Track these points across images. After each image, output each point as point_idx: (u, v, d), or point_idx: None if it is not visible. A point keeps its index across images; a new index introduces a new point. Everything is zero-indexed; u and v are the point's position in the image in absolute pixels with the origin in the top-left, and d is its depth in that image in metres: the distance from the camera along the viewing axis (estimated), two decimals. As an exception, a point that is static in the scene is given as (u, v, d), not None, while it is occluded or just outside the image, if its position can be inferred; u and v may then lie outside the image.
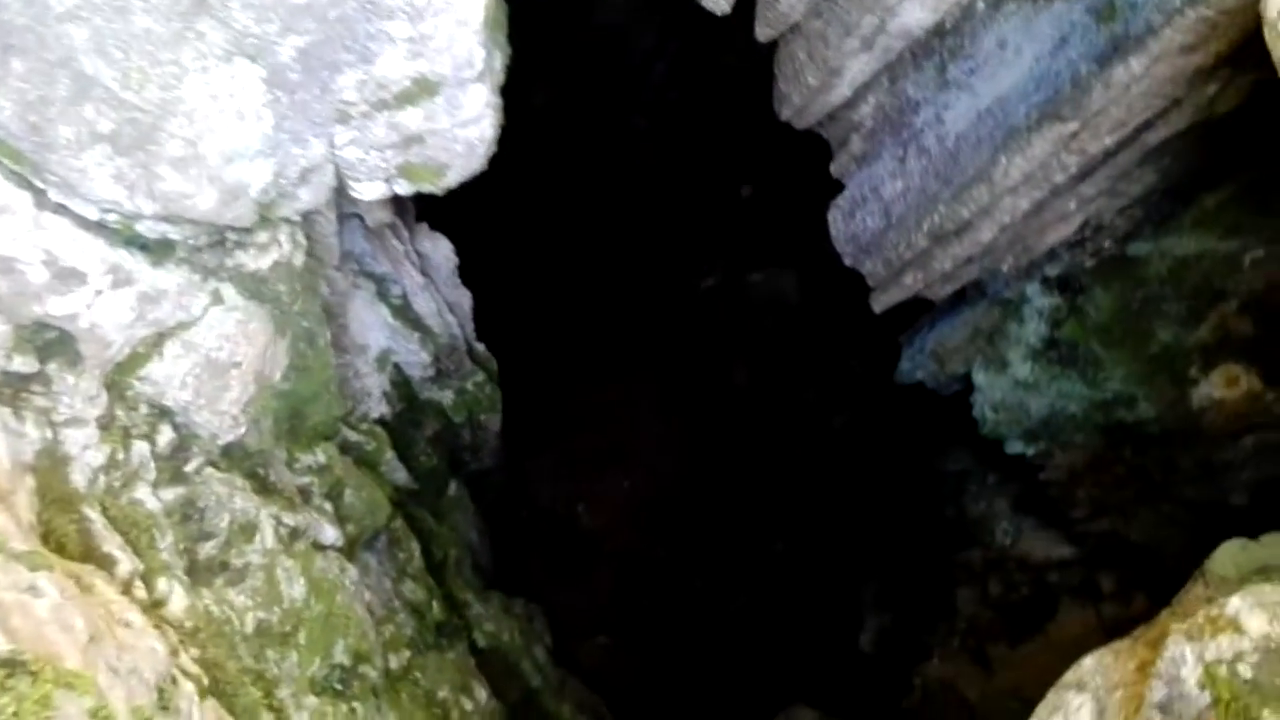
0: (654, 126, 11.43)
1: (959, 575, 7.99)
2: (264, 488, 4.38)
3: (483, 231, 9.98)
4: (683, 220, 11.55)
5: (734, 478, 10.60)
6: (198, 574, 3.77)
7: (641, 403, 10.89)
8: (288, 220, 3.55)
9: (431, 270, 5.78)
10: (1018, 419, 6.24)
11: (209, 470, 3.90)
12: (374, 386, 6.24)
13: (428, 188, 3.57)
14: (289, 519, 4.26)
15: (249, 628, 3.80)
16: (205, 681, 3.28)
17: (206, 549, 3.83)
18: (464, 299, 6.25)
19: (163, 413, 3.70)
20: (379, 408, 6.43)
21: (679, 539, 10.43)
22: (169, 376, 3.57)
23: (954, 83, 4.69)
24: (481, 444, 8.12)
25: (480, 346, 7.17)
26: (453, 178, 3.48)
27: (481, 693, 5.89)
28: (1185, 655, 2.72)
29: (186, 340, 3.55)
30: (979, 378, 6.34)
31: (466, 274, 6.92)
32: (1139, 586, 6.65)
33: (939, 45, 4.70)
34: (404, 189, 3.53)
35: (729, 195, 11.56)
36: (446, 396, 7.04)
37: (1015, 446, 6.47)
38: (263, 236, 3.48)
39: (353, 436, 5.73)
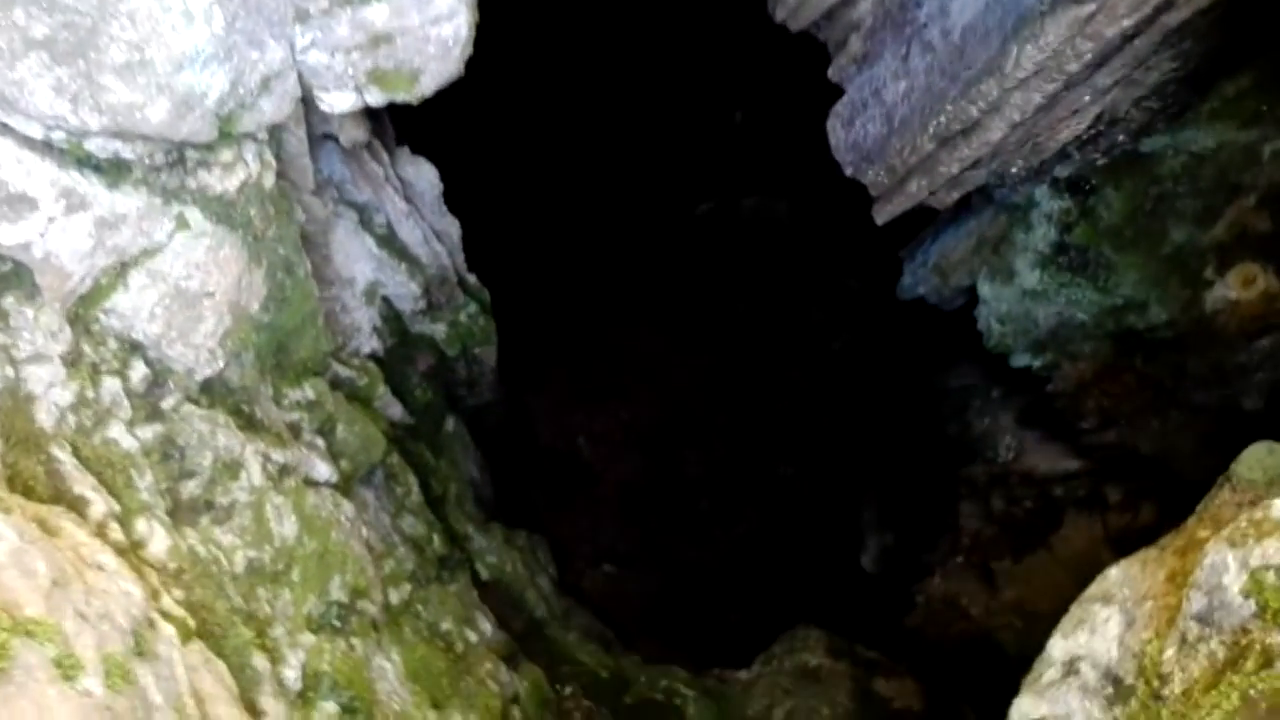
0: (645, 51, 10.98)
1: (962, 491, 7.85)
2: (250, 424, 4.18)
3: (473, 160, 9.67)
4: (676, 146, 11.19)
5: (735, 403, 10.44)
6: (181, 514, 3.58)
7: (639, 332, 10.67)
8: (253, 137, 3.28)
9: (416, 197, 5.50)
10: (1024, 330, 6.02)
11: (188, 407, 3.69)
12: (363, 321, 6.00)
13: (402, 96, 3.30)
14: (277, 455, 4.06)
15: (239, 567, 3.63)
16: (191, 624, 3.10)
17: (189, 488, 3.64)
18: (452, 227, 5.98)
19: (133, 347, 3.47)
20: (370, 343, 6.21)
21: (682, 467, 10.30)
22: (136, 308, 3.34)
23: (959, -30, 4.37)
24: (478, 378, 7.92)
25: (472, 278, 6.92)
26: (427, 84, 3.20)
27: (486, 624, 5.77)
28: (1227, 562, 2.53)
29: (152, 269, 3.31)
30: (984, 289, 6.10)
31: (456, 203, 6.64)
32: (1146, 496, 6.50)
33: (942, -70, 4.38)
34: (376, 98, 3.26)
35: (722, 121, 11.19)
36: (439, 330, 6.81)
37: (1021, 359, 6.26)
38: (226, 155, 3.21)
39: (343, 372, 5.51)
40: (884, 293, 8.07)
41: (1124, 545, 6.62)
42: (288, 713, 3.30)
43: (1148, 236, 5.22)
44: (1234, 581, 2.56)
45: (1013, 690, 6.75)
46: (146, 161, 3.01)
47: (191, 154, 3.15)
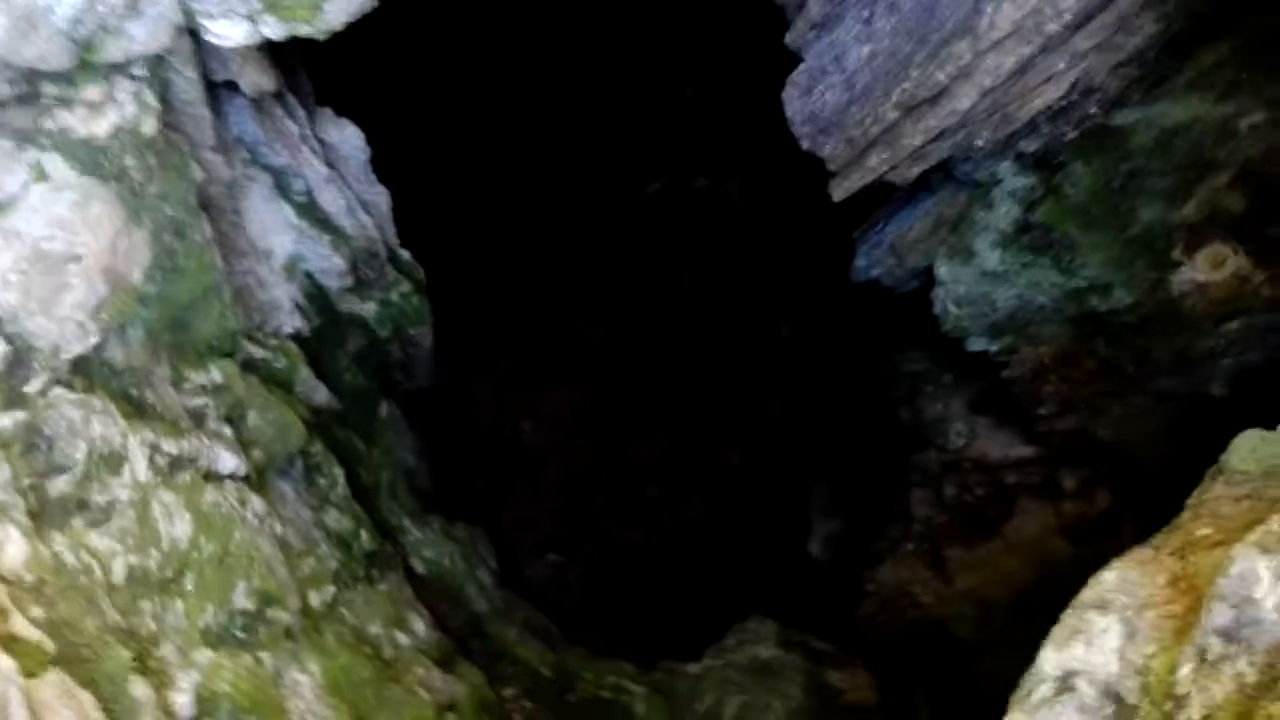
0: (596, 17, 10.39)
1: (913, 478, 7.48)
2: (139, 411, 3.58)
3: (408, 130, 9.02)
4: (625, 123, 10.65)
5: (683, 388, 9.98)
6: (47, 515, 2.98)
7: (585, 314, 10.15)
8: (126, 73, 2.69)
9: (339, 162, 4.90)
10: (982, 313, 5.63)
11: (58, 391, 3.09)
12: (283, 297, 5.39)
13: (305, 30, 2.73)
14: (169, 446, 3.47)
15: (117, 576, 3.05)
16: (49, 648, 2.53)
17: (59, 485, 3.04)
18: (380, 197, 5.39)
19: (-15, 321, 2.88)
20: (292, 321, 5.60)
21: (628, 453, 9.83)
22: (-14, 274, 2.74)
23: (930, -79, 3.92)
24: (414, 361, 7.32)
25: (405, 254, 6.32)
26: (334, 13, 2.65)
27: (419, 624, 5.23)
28: (1258, 572, 2.12)
29: (5, 227, 2.71)
30: (941, 271, 5.69)
31: (388, 175, 6.04)
32: (1102, 483, 6.18)
33: (912, -123, 3.92)
34: (274, 30, 2.69)
35: (673, 96, 10.66)
36: (369, 309, 6.21)
37: (978, 343, 5.87)
38: (92, 91, 2.62)
39: (258, 353, 4.90)
40: (835, 276, 7.66)
41: (1078, 533, 6.32)
42: (171, 747, 2.74)
43: (1115, 215, 4.84)
44: (1268, 595, 2.16)
45: (968, 680, 6.40)
46: (-14, 94, 2.42)
47: (48, 88, 2.55)
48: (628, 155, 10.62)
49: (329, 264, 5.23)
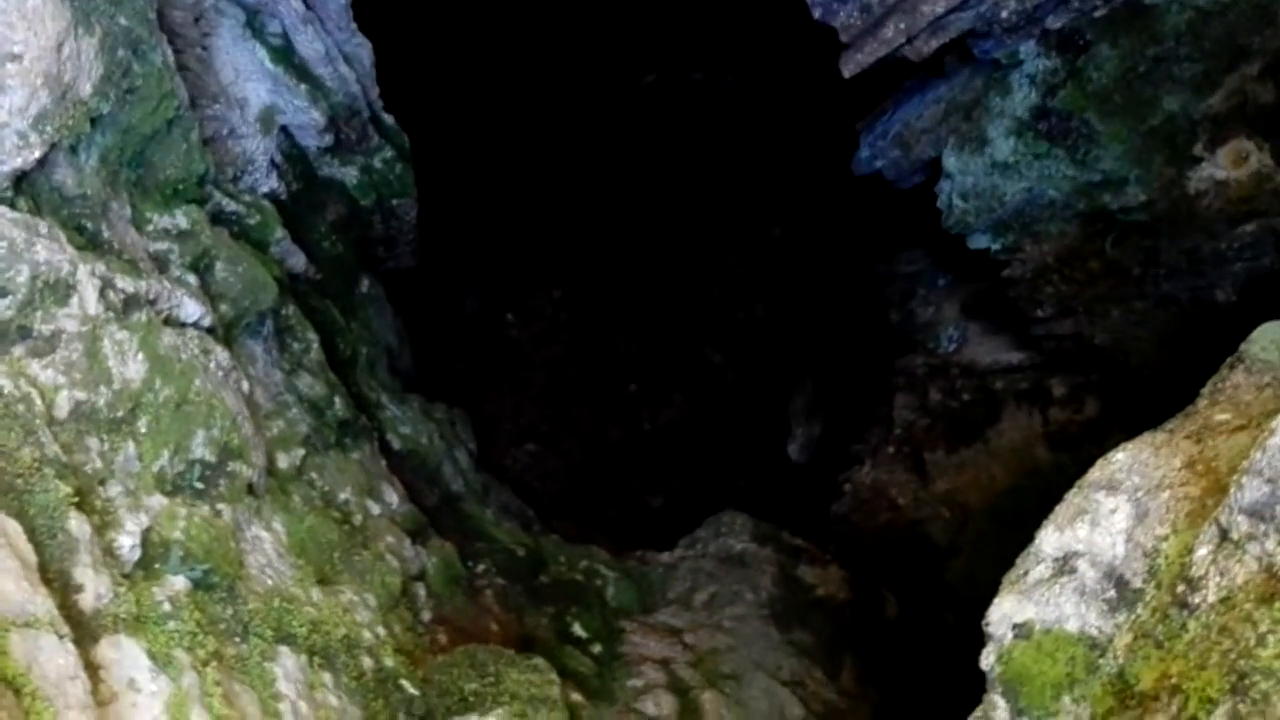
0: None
1: (898, 382, 7.30)
2: (94, 244, 3.29)
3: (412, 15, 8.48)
4: (625, 13, 10.11)
5: (669, 286, 9.72)
6: (-15, 341, 2.72)
7: (577, 205, 9.79)
8: None
9: (318, 6, 4.50)
10: (989, 207, 5.36)
11: (-2, 209, 2.79)
12: (258, 152, 5.03)
13: None
14: (125, 284, 3.19)
15: (61, 411, 2.80)
16: (-24, 474, 2.30)
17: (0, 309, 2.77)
18: (363, 50, 5.00)
19: (-91, 119, 2.56)
20: (268, 181, 5.26)
21: (612, 348, 9.61)
22: (-93, 64, 2.42)
23: None
24: (397, 236, 7.00)
25: (388, 118, 5.94)
26: None
27: (392, 495, 5.05)
28: (1303, 441, 1.91)
29: (-73, 11, 2.38)
30: (950, 161, 5.39)
31: (373, 32, 5.61)
32: (1092, 391, 6.01)
33: None
34: None
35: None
36: (350, 174, 5.87)
37: (981, 240, 5.62)
38: None
39: (229, 205, 4.57)
40: (833, 175, 7.34)
41: (1063, 441, 6.16)
42: (114, 587, 2.53)
43: (1138, 104, 4.53)
44: (1309, 466, 1.95)
45: (939, 581, 6.31)
46: None
47: None
48: (625, 44, 10.12)
49: (306, 118, 4.87)
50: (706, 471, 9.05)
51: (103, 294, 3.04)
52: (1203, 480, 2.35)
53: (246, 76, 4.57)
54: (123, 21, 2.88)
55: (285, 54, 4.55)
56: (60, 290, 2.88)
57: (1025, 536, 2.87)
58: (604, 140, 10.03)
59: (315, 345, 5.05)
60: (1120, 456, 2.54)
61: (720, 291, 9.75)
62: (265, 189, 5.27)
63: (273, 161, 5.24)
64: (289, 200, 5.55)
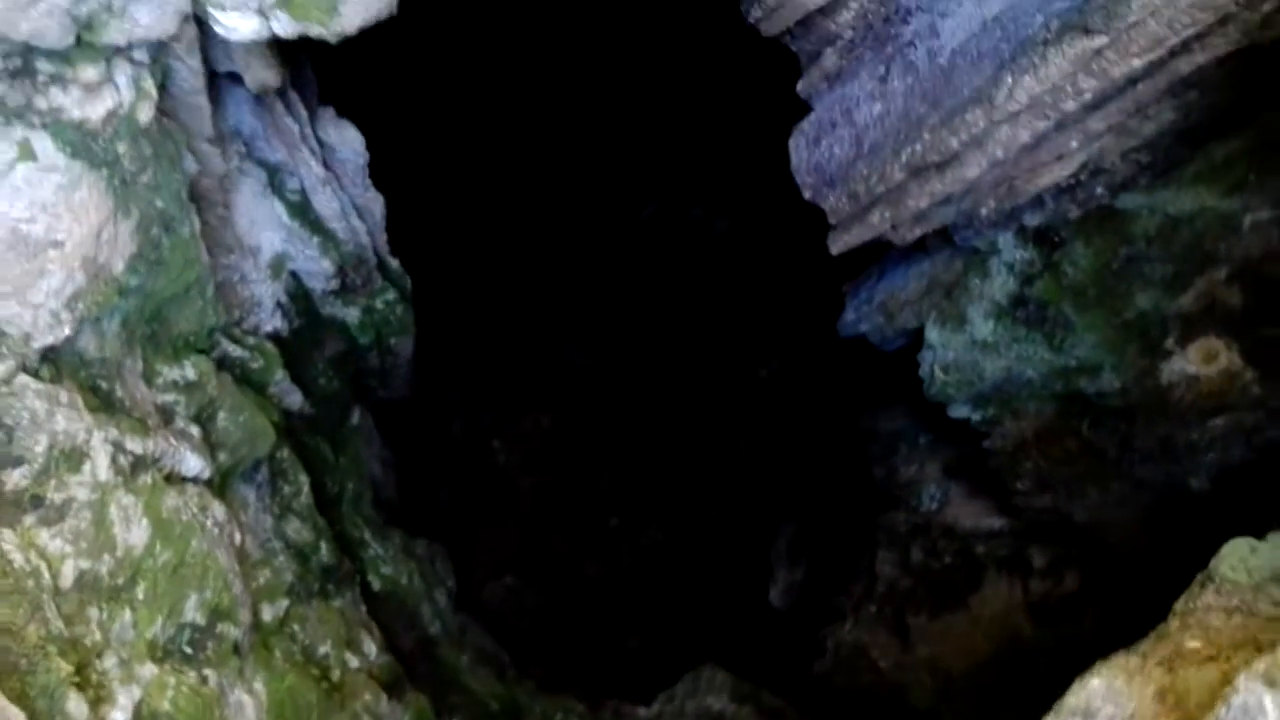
0: (602, 36, 10.35)
1: (880, 538, 7.41)
2: (106, 404, 3.43)
3: (405, 132, 8.91)
4: (627, 145, 10.61)
5: (656, 420, 9.89)
6: (1, 510, 2.83)
7: (566, 335, 10.05)
8: (127, 56, 2.57)
9: (336, 165, 4.79)
10: (969, 381, 5.59)
11: (23, 379, 2.94)
12: (265, 296, 5.25)
13: (318, 30, 2.63)
14: (134, 445, 3.32)
15: (67, 581, 2.89)
16: (-17, 656, 2.38)
17: (14, 478, 2.89)
18: (375, 204, 5.27)
19: (-47, 301, 2.73)
20: (272, 321, 5.45)
21: (595, 480, 9.71)
22: (-40, 253, 2.60)
23: (959, -15, 3.89)
24: (391, 369, 7.18)
25: (394, 262, 6.20)
26: (350, 16, 2.55)
27: (370, 645, 5.06)
28: (1265, 706, 2.04)
29: (-15, 206, 2.58)
30: (932, 335, 5.65)
31: (381, 176, 5.91)
32: (1072, 565, 6.14)
33: (946, -60, 3.89)
34: (285, 27, 2.58)
35: (676, 122, 10.62)
36: (352, 314, 6.07)
37: (961, 411, 5.83)
38: (90, 72, 2.50)
39: (235, 351, 4.75)
40: (820, 322, 7.62)
41: (1044, 614, 6.26)
42: (102, 767, 2.58)
43: (1111, 298, 4.82)
44: (1271, 730, 2.07)
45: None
46: (-21, 68, 2.29)
47: (43, 65, 2.43)
48: (625, 176, 10.58)
49: (316, 266, 5.11)
50: (686, 612, 9.04)
51: (113, 459, 3.17)
52: (1173, 714, 2.46)
53: (262, 227, 4.81)
54: (159, 203, 3.09)
55: (302, 209, 4.81)
56: (75, 458, 3.01)
57: (1007, 710, 2.94)
58: (598, 270, 10.37)
59: (305, 488, 5.15)
60: (1095, 683, 2.65)
61: (707, 428, 9.92)
62: (269, 328, 5.46)
63: (278, 303, 5.44)
64: (290, 337, 5.74)
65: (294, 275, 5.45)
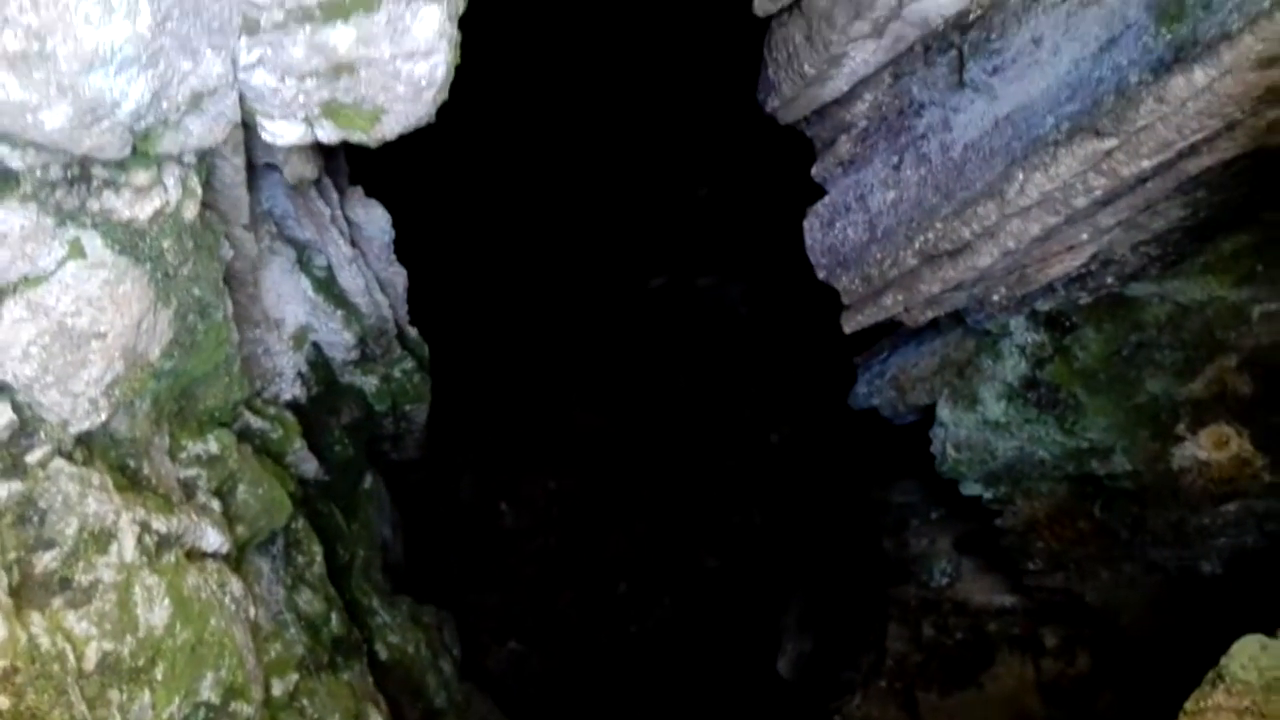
0: (619, 116, 10.62)
1: (891, 611, 7.40)
2: (134, 483, 3.51)
3: (425, 204, 9.11)
4: (635, 215, 10.81)
5: (665, 485, 9.93)
6: (30, 593, 2.90)
7: (576, 401, 10.14)
8: (177, 160, 2.71)
9: (363, 242, 4.93)
10: (981, 459, 5.65)
11: (58, 462, 3.03)
12: (287, 366, 5.36)
13: (359, 137, 2.77)
14: (159, 524, 3.40)
15: (90, 663, 2.95)
16: (11, 743, 2.44)
17: (45, 561, 2.96)
18: (398, 277, 5.41)
19: (-3, 388, 2.83)
20: (292, 389, 5.55)
21: (603, 545, 9.72)
22: (7, 345, 2.70)
23: (971, 84, 4.03)
24: (405, 434, 7.27)
25: (413, 331, 6.32)
26: (391, 126, 2.68)
27: (377, 718, 5.07)
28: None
29: (33, 300, 2.69)
30: (944, 413, 5.72)
31: (401, 245, 6.05)
32: (1084, 645, 6.13)
33: (958, 39, 4.04)
34: (329, 135, 2.72)
35: (686, 195, 10.86)
36: (370, 382, 6.17)
37: (973, 488, 5.88)
38: (142, 177, 2.63)
39: (255, 423, 4.85)
40: (832, 392, 7.70)
41: (1056, 695, 6.24)
42: None
43: (1122, 383, 4.90)
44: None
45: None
46: (39, 174, 2.42)
47: (98, 171, 2.56)
48: (635, 247, 10.76)
49: (338, 338, 5.22)
50: (694, 680, 8.99)
51: (139, 539, 3.24)
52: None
53: (286, 301, 4.94)
54: (196, 292, 3.21)
55: (328, 284, 4.94)
56: (103, 539, 3.09)
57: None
58: (610, 338, 10.49)
59: (319, 558, 5.20)
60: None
61: (717, 494, 9.95)
62: (288, 396, 5.55)
63: (299, 372, 5.55)
64: (308, 404, 5.83)
65: (315, 345, 5.56)
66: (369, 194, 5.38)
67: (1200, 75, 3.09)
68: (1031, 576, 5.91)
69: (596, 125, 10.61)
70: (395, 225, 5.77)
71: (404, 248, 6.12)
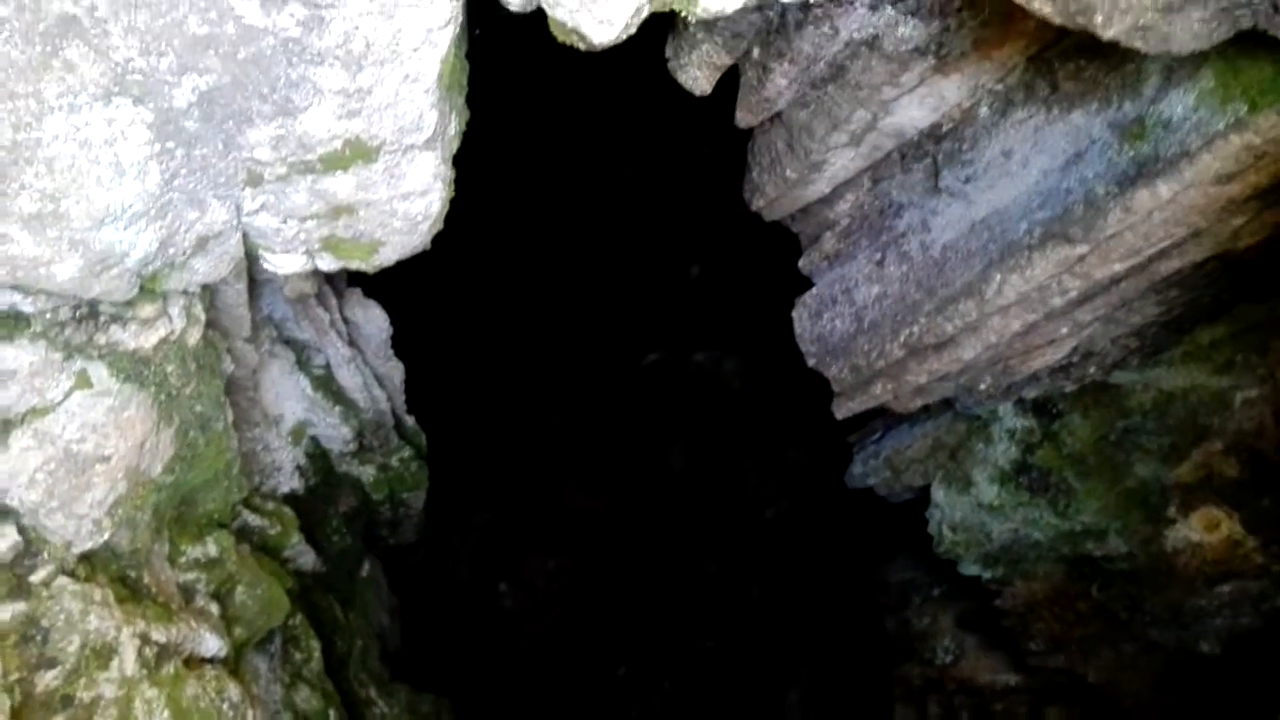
0: (610, 202, 10.91)
1: (897, 691, 7.39)
2: (134, 593, 3.60)
3: (412, 291, 9.30)
4: (630, 295, 11.01)
5: (663, 564, 9.95)
6: (32, 713, 2.97)
7: (572, 480, 10.21)
8: (182, 293, 2.86)
9: (361, 340, 5.07)
10: (977, 541, 5.72)
11: (61, 581, 3.12)
12: (285, 460, 5.47)
13: (357, 264, 2.92)
14: (159, 634, 3.47)
15: (88, 782, 3.02)
16: None
17: (47, 679, 3.04)
18: (395, 372, 5.54)
19: (3, 513, 2.94)
20: (290, 482, 5.66)
21: (602, 626, 9.71)
22: (14, 473, 2.82)
23: (946, 190, 4.21)
24: (402, 520, 7.33)
25: (410, 420, 6.43)
26: (388, 255, 2.84)
27: (373, 820, 5.07)
28: None
29: (40, 430, 2.81)
30: (938, 495, 5.81)
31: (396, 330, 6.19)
32: (1089, 724, 6.13)
33: (932, 149, 4.23)
34: (329, 264, 2.87)
35: (677, 274, 11.07)
36: (367, 472, 6.27)
37: (971, 569, 5.94)
38: (147, 310, 2.77)
39: (254, 520, 4.94)
40: (827, 466, 7.78)
41: (1063, 776, 6.21)
42: None
43: (1111, 467, 5.00)
44: None
45: None
46: (48, 316, 2.56)
47: (106, 309, 2.71)
48: (629, 324, 10.93)
49: (336, 432, 5.34)
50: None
51: (139, 652, 3.32)
52: None
53: (285, 398, 5.07)
54: (198, 409, 3.34)
55: (326, 382, 5.07)
56: (104, 655, 3.16)
57: None
58: (604, 417, 10.59)
59: (316, 653, 5.24)
60: None
61: (715, 571, 9.96)
62: (286, 489, 5.65)
63: (297, 466, 5.65)
64: (305, 495, 5.93)
65: (313, 439, 5.68)
66: (366, 282, 5.55)
67: (1164, 189, 3.25)
68: (1033, 657, 5.94)
69: (591, 206, 10.87)
70: (391, 309, 5.93)
71: (401, 334, 6.27)
